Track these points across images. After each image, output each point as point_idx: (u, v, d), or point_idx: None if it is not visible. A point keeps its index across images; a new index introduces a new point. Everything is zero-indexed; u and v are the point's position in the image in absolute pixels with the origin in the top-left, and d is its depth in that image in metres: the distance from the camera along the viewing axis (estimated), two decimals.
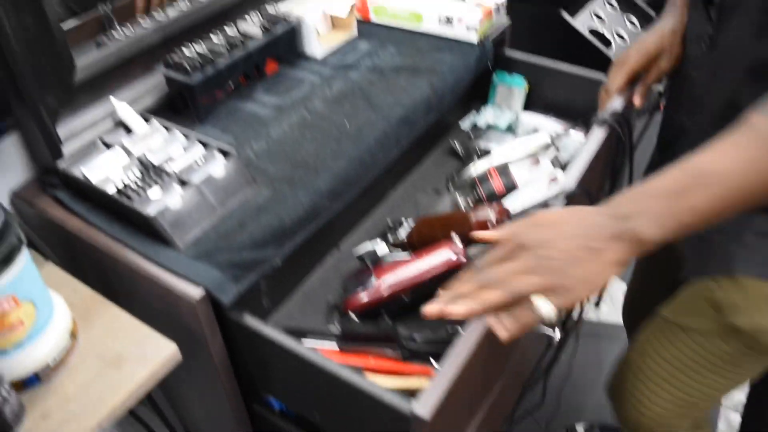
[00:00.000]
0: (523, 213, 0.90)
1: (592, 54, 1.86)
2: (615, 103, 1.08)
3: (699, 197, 0.56)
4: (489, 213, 0.88)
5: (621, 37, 2.05)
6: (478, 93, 1.33)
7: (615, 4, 2.16)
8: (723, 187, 0.57)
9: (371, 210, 1.13)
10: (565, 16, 1.84)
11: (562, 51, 1.92)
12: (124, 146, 0.92)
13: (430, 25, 1.22)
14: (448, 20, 1.19)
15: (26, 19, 0.86)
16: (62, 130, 0.93)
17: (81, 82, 0.94)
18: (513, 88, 1.26)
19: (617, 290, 2.04)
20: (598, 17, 2.02)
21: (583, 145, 1.01)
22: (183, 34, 1.08)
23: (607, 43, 1.94)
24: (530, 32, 1.85)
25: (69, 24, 0.95)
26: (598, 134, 1.01)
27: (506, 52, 1.29)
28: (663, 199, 0.57)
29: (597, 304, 1.88)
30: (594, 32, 1.95)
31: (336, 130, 0.99)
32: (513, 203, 1.03)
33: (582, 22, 1.92)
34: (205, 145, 0.92)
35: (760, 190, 0.57)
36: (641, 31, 2.12)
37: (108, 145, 0.95)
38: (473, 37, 1.19)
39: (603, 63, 1.88)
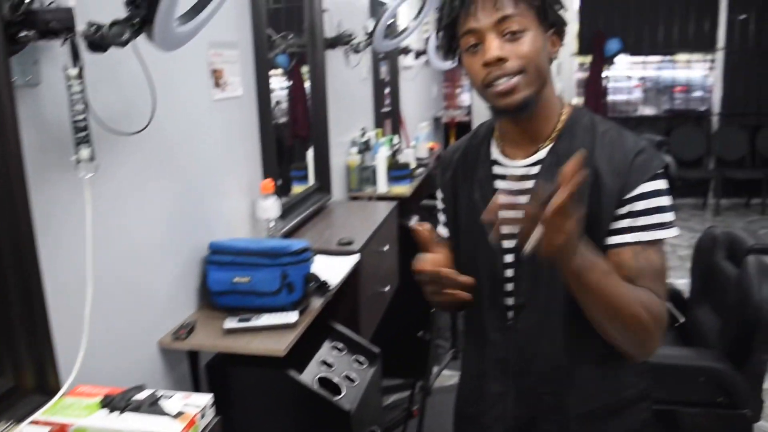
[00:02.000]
0: None
1: (323, 405, 1.94)
2: None
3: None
4: None
5: (350, 379, 2.17)
6: None
7: (341, 346, 2.32)
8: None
9: None
10: (292, 374, 1.93)
11: (292, 406, 1.97)
12: None
13: None
14: None
15: None
16: None
17: None
18: None
19: None
20: (327, 364, 2.14)
21: None
22: None
23: (338, 390, 2.04)
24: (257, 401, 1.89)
25: None
26: None
27: None
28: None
29: None
30: (324, 379, 2.05)
31: None
32: None
33: (311, 374, 2.01)
34: None
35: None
36: (367, 367, 2.28)
37: None
38: None
39: (334, 412, 1.97)
